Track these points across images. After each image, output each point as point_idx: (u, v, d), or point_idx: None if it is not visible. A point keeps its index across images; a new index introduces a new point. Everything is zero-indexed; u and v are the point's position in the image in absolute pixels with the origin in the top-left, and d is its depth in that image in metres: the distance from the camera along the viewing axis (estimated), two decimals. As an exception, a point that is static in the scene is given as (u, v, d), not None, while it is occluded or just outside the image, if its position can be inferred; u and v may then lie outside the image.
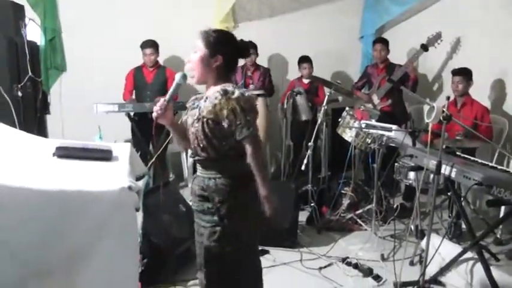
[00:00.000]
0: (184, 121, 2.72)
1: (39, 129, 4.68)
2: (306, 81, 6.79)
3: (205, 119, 2.50)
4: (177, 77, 2.66)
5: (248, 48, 2.77)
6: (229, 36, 2.69)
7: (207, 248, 2.66)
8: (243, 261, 2.72)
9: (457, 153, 4.05)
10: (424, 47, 5.97)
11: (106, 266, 1.92)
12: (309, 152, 5.20)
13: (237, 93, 2.47)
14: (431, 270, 3.79)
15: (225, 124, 2.47)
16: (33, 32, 4.98)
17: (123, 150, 2.61)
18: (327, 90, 5.56)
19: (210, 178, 2.61)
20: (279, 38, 7.41)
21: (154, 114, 2.58)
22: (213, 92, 2.53)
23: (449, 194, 4.60)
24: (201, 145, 2.55)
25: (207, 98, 2.56)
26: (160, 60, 6.53)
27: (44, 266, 1.87)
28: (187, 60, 2.71)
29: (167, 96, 2.61)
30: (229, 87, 2.52)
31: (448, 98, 3.66)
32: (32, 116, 4.61)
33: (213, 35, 2.60)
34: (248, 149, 2.49)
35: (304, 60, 6.77)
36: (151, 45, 6.30)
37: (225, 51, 2.59)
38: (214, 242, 2.62)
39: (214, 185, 2.59)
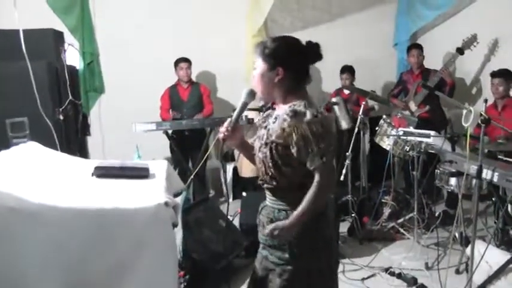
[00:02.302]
0: (252, 142, 2.46)
1: (81, 150, 4.78)
2: (346, 91, 6.77)
3: (274, 144, 2.23)
4: (244, 94, 2.40)
5: (317, 50, 2.34)
6: (289, 42, 2.35)
7: (276, 286, 2.35)
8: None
9: (499, 156, 3.97)
10: (460, 51, 5.88)
11: (145, 281, 1.93)
12: (348, 161, 5.17)
13: (308, 115, 2.16)
14: (478, 278, 3.70)
15: (293, 151, 2.18)
16: (72, 56, 5.10)
17: (160, 168, 2.63)
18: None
19: (280, 210, 2.32)
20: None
21: (220, 136, 2.36)
22: (283, 112, 2.24)
23: (493, 199, 4.50)
24: (270, 173, 2.28)
25: (276, 118, 2.30)
26: (193, 76, 6.62)
27: (85, 281, 1.90)
28: (252, 76, 2.37)
29: (234, 117, 2.37)
30: (299, 106, 2.20)
31: (486, 100, 3.58)
32: (74, 138, 4.71)
33: (269, 45, 2.29)
34: (316, 178, 2.17)
35: (344, 70, 6.78)
36: (185, 60, 6.42)
37: (286, 61, 2.28)
38: (285, 281, 2.31)
39: (285, 219, 2.26)
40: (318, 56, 2.35)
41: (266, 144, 2.26)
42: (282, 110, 2.27)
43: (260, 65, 2.30)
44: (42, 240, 1.88)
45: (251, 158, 2.47)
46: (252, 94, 2.40)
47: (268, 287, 2.37)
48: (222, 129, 2.35)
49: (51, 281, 1.87)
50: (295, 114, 2.17)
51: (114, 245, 1.93)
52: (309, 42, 2.33)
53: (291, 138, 2.16)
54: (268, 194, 2.39)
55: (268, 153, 2.24)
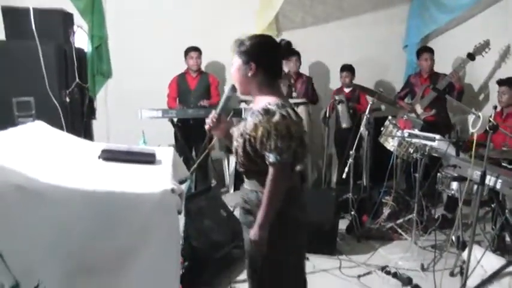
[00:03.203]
0: (231, 132, 2.63)
1: (86, 133, 4.79)
2: (347, 90, 6.78)
3: (247, 136, 2.41)
4: (226, 89, 2.66)
5: (289, 47, 2.56)
6: (262, 40, 2.55)
7: (250, 259, 2.62)
8: (283, 274, 2.61)
9: (503, 164, 3.99)
10: (471, 56, 5.85)
11: (149, 265, 1.95)
12: (350, 160, 5.19)
13: (277, 116, 2.34)
14: (472, 282, 3.72)
15: (257, 144, 2.37)
16: (81, 39, 5.10)
17: (167, 154, 2.64)
18: (369, 98, 5.54)
19: (252, 191, 2.53)
20: (322, 46, 7.42)
21: (206, 127, 2.62)
22: (257, 108, 2.43)
23: (493, 205, 4.52)
24: (240, 160, 2.51)
25: (252, 112, 2.46)
26: (203, 66, 6.65)
27: (91, 264, 1.92)
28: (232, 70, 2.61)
29: (217, 110, 2.61)
30: (272, 106, 2.38)
31: (495, 107, 3.61)
32: (79, 121, 4.72)
33: (244, 42, 2.50)
34: (269, 174, 2.36)
35: (344, 69, 6.78)
36: (196, 49, 6.46)
37: (259, 57, 2.47)
38: (258, 256, 2.52)
39: (256, 199, 2.48)
40: (287, 53, 2.60)
41: (241, 135, 2.45)
42: (257, 105, 2.46)
43: (236, 60, 2.52)
44: (47, 220, 1.89)
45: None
46: (234, 89, 2.64)
47: (247, 259, 2.65)
48: (208, 120, 2.61)
49: (55, 262, 1.88)
50: (266, 113, 2.36)
51: (119, 229, 1.94)
52: (282, 41, 2.56)
53: (258, 133, 2.35)
54: (244, 177, 2.62)
55: (241, 143, 2.44)
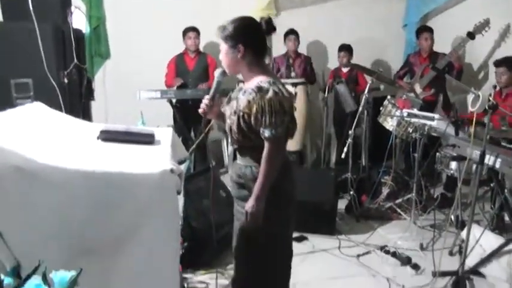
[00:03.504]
0: (224, 108, 2.74)
1: (84, 114, 4.77)
2: (344, 70, 6.77)
3: (241, 113, 2.50)
4: (216, 74, 2.75)
5: (270, 24, 2.64)
6: (245, 22, 2.62)
7: (241, 233, 2.70)
8: (276, 249, 2.72)
9: (503, 143, 3.99)
10: (471, 35, 5.81)
11: (149, 246, 1.95)
12: (349, 140, 5.19)
13: (270, 92, 2.43)
14: (471, 261, 3.75)
15: (252, 120, 2.47)
16: (79, 20, 5.06)
17: (165, 135, 2.64)
18: (368, 78, 5.53)
19: (246, 166, 2.63)
20: (321, 26, 7.36)
21: (200, 111, 2.71)
22: (249, 86, 2.53)
23: (492, 185, 4.53)
24: (235, 137, 2.59)
25: (245, 91, 2.55)
26: (201, 47, 6.62)
27: (91, 244, 1.91)
28: (220, 57, 2.68)
29: (210, 95, 2.71)
30: (265, 83, 2.48)
31: (495, 86, 3.61)
32: (77, 102, 4.70)
33: (227, 27, 2.57)
34: (266, 149, 2.46)
35: (342, 48, 6.76)
36: (194, 29, 6.44)
37: (245, 38, 2.56)
38: (250, 228, 2.62)
39: (251, 173, 2.59)
40: (272, 29, 2.64)
41: (235, 112, 2.54)
42: (249, 84, 2.56)
43: (223, 46, 2.60)
44: (46, 201, 1.89)
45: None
46: (223, 73, 2.75)
47: (237, 233, 2.75)
48: (202, 105, 2.70)
49: (55, 242, 1.87)
50: (260, 90, 2.45)
51: (118, 209, 1.94)
52: (261, 19, 2.64)
53: (252, 110, 2.45)
54: (237, 153, 2.72)
55: (235, 120, 2.53)
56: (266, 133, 2.43)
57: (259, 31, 2.62)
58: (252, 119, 2.46)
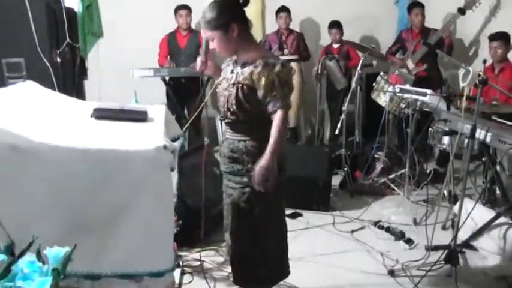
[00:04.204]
0: (218, 81, 2.78)
1: (78, 93, 4.74)
2: (335, 46, 6.75)
3: (240, 85, 2.53)
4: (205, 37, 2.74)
5: None
6: (224, 2, 2.61)
7: (237, 208, 2.70)
8: (271, 221, 2.76)
9: (493, 118, 4.00)
10: (461, 11, 5.85)
11: (143, 222, 1.95)
12: (343, 116, 5.20)
13: (278, 66, 2.48)
14: (463, 234, 3.80)
15: (259, 93, 2.50)
16: (71, -1, 5.02)
17: (159, 112, 2.63)
18: (360, 53, 5.52)
19: (239, 140, 2.64)
20: (314, 2, 7.32)
21: (197, 68, 2.83)
22: (253, 59, 2.55)
23: (483, 159, 4.55)
24: (232, 109, 2.59)
25: (244, 64, 2.58)
26: (193, 24, 6.60)
27: (85, 220, 1.91)
28: (212, 46, 2.68)
29: (202, 52, 2.77)
30: (270, 59, 2.53)
31: (485, 61, 3.60)
32: (71, 81, 4.67)
33: (212, 15, 2.55)
34: (276, 119, 2.49)
35: (333, 25, 6.73)
36: (186, 7, 6.41)
37: (233, 15, 2.58)
38: (244, 202, 2.67)
39: (244, 147, 2.62)
40: (247, 0, 2.65)
41: (233, 84, 2.57)
42: (249, 56, 2.58)
43: (215, 34, 2.58)
44: (42, 180, 1.88)
45: None
46: None
47: (231, 208, 2.74)
48: (198, 62, 2.80)
49: (49, 223, 1.87)
50: (267, 64, 2.49)
51: (112, 185, 1.93)
52: None
53: (259, 83, 2.48)
54: (228, 128, 2.73)
55: (234, 92, 2.56)
56: (278, 103, 2.48)
57: (239, 4, 2.62)
58: (260, 92, 2.49)
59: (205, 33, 2.65)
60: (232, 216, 2.75)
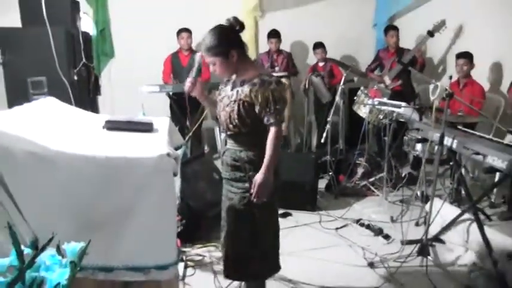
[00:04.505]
0: (219, 98, 2.71)
1: (92, 107, 4.77)
2: (321, 64, 6.79)
3: (241, 101, 2.51)
4: (197, 58, 2.81)
5: (238, 21, 2.59)
6: (222, 30, 2.56)
7: (237, 211, 2.66)
8: (268, 221, 2.73)
9: (459, 127, 4.04)
10: (430, 33, 5.92)
11: (149, 221, 1.97)
12: (328, 126, 5.23)
13: (273, 84, 2.48)
14: (433, 230, 3.83)
15: (257, 108, 2.49)
16: (87, 24, 5.05)
17: (163, 124, 2.65)
18: (342, 70, 5.56)
19: (241, 150, 2.61)
20: (302, 25, 7.36)
21: (185, 89, 2.80)
22: (251, 77, 2.53)
23: (451, 163, 4.59)
24: (234, 123, 2.56)
25: (243, 81, 2.57)
26: (194, 45, 6.62)
27: (95, 221, 1.94)
28: (212, 70, 2.61)
29: (193, 75, 2.78)
30: (265, 77, 2.52)
31: (451, 77, 3.65)
32: (86, 97, 4.71)
33: (212, 43, 2.52)
34: (270, 135, 2.50)
35: (317, 46, 6.77)
36: (186, 30, 6.45)
37: (231, 42, 2.55)
38: (244, 205, 2.63)
39: (246, 157, 2.59)
40: (242, 26, 2.60)
41: (235, 101, 2.55)
42: (248, 75, 2.56)
43: (216, 60, 2.55)
44: (59, 184, 1.91)
45: (212, 108, 2.86)
46: (202, 57, 2.70)
47: (231, 211, 2.70)
48: (187, 83, 2.77)
49: (66, 221, 1.90)
50: (263, 82, 2.48)
51: (120, 190, 1.96)
52: (228, 20, 2.58)
53: (256, 99, 2.47)
54: (229, 139, 2.69)
55: (236, 108, 2.53)
56: (272, 119, 2.48)
57: (236, 31, 2.58)
58: (257, 107, 2.48)
59: (206, 59, 2.60)
60: (233, 218, 2.71)
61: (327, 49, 6.76)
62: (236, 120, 2.54)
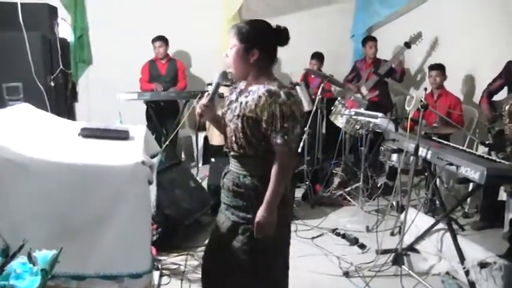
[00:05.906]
0: (223, 111, 2.36)
1: (69, 115, 4.73)
2: (313, 75, 6.70)
3: (245, 117, 2.16)
4: (217, 75, 2.35)
5: (286, 34, 2.26)
6: (264, 26, 2.25)
7: (240, 245, 2.31)
8: (275, 256, 2.40)
9: (433, 138, 4.10)
10: (407, 45, 6.05)
11: (123, 229, 1.96)
12: (305, 136, 5.26)
13: (282, 96, 2.10)
14: (408, 239, 3.86)
15: (262, 125, 2.13)
16: (64, 30, 5.02)
17: (139, 131, 2.63)
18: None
19: (245, 176, 2.25)
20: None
21: (198, 111, 2.32)
22: (257, 89, 2.17)
23: (426, 174, 4.65)
24: (239, 142, 2.22)
25: (249, 92, 2.21)
26: (171, 52, 6.68)
27: (70, 228, 1.92)
28: (224, 54, 2.27)
29: (209, 96, 2.31)
30: (274, 87, 2.14)
31: (426, 89, 3.71)
32: (63, 104, 4.66)
33: (246, 27, 2.21)
34: (277, 155, 2.13)
35: (313, 56, 6.86)
36: (160, 38, 6.45)
37: (261, 43, 2.21)
38: (248, 237, 2.27)
39: (251, 183, 2.23)
40: (287, 39, 2.27)
41: (238, 116, 2.19)
42: (255, 86, 2.20)
43: (236, 45, 2.22)
44: (33, 191, 1.90)
45: (220, 129, 2.40)
46: (225, 75, 2.36)
47: (230, 243, 2.32)
48: (200, 106, 2.31)
49: (39, 229, 1.88)
50: (271, 94, 2.11)
51: (95, 197, 1.95)
52: (279, 27, 2.26)
53: (262, 114, 2.11)
54: (233, 161, 2.32)
55: (239, 124, 2.18)
56: (278, 139, 2.10)
57: (276, 38, 2.25)
58: (263, 124, 2.12)
59: (230, 39, 2.24)
60: (235, 253, 2.32)
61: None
62: (242, 140, 2.20)
